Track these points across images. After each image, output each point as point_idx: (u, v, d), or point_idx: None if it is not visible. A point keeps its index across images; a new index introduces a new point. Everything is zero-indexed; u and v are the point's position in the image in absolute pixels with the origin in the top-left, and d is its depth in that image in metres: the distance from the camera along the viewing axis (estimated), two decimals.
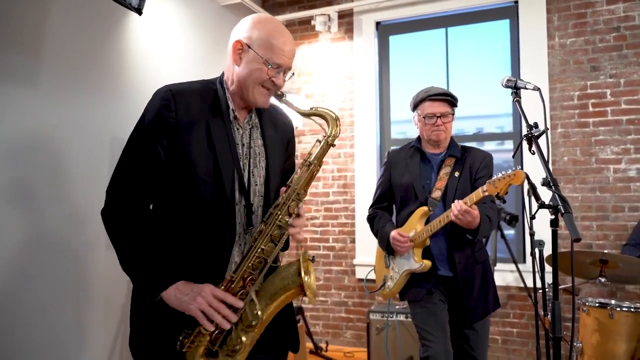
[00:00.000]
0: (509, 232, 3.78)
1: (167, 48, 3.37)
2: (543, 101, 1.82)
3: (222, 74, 1.55)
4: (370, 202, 2.70)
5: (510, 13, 3.93)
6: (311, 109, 1.50)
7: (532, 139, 1.78)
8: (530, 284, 3.27)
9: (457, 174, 2.42)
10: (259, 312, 1.41)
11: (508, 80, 1.97)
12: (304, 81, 4.49)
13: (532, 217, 1.70)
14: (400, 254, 2.44)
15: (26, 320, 2.39)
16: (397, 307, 3.61)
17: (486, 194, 2.17)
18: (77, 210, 2.67)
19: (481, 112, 4.12)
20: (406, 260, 2.44)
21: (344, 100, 4.35)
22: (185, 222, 1.45)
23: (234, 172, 1.46)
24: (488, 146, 4.06)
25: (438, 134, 2.42)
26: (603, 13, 3.61)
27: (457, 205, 2.19)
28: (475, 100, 4.03)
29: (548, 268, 2.73)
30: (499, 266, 3.53)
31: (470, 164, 2.45)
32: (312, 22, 4.29)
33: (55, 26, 2.57)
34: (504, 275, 3.73)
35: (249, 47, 1.44)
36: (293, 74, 1.58)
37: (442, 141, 2.46)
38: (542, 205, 1.61)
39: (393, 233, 2.43)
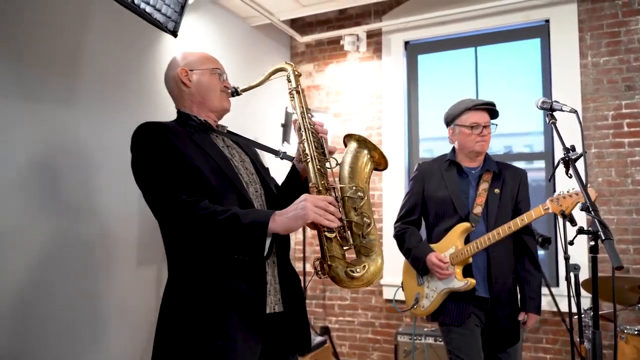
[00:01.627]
0: (539, 253, 3.69)
1: None
2: (580, 124, 1.78)
3: (178, 112, 1.74)
4: None
5: (542, 32, 3.88)
6: (263, 75, 1.73)
7: (569, 162, 1.74)
8: (563, 308, 3.18)
9: (497, 190, 2.37)
10: (357, 184, 1.58)
11: (543, 102, 1.93)
12: (333, 100, 4.51)
13: (570, 243, 1.65)
14: (439, 278, 2.34)
15: (45, 328, 2.42)
16: (425, 329, 3.55)
17: (549, 211, 2.11)
18: (108, 227, 2.72)
19: (510, 130, 4.06)
20: (446, 278, 2.32)
21: (372, 119, 4.35)
22: None
23: (234, 170, 1.61)
24: (517, 165, 3.98)
25: (483, 144, 2.38)
26: (638, 32, 3.54)
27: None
28: (505, 118, 3.97)
29: (583, 293, 2.66)
30: None
31: (509, 182, 2.41)
32: (341, 42, 4.32)
33: (92, 46, 2.65)
34: None
35: (191, 70, 1.70)
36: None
37: (483, 153, 2.42)
38: (581, 231, 1.57)
39: (432, 258, 2.32)
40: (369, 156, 1.64)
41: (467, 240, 2.33)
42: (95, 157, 2.66)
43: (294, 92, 1.69)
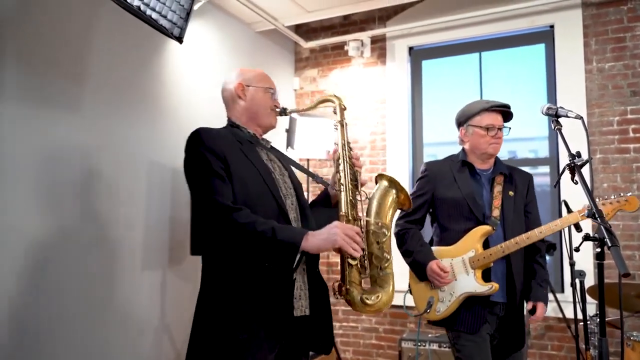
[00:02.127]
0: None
1: (204, 73, 3.45)
2: (586, 130, 1.78)
3: (228, 120, 1.88)
4: None
5: (546, 37, 3.88)
6: (312, 101, 1.88)
7: (574, 169, 1.74)
8: (568, 314, 3.17)
9: (511, 193, 2.35)
10: (382, 221, 1.73)
11: (549, 108, 1.92)
12: None
13: (576, 250, 1.64)
14: (436, 286, 2.30)
15: (46, 332, 2.42)
16: (429, 335, 3.54)
17: (585, 217, 2.08)
18: (112, 231, 2.73)
19: (514, 135, 4.04)
20: (466, 282, 2.24)
21: (376, 124, 4.35)
22: None
23: (274, 181, 1.74)
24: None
25: (496, 147, 2.37)
26: None
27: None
28: (509, 123, 3.96)
29: (589, 299, 2.64)
30: None
31: (519, 185, 2.40)
32: (345, 48, 4.33)
33: (98, 52, 2.67)
34: None
35: (247, 85, 1.85)
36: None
37: (495, 155, 2.41)
38: (587, 238, 1.56)
39: (433, 266, 2.27)
40: (395, 196, 1.83)
41: (485, 243, 2.28)
42: (100, 161, 2.67)
43: (339, 124, 1.83)
